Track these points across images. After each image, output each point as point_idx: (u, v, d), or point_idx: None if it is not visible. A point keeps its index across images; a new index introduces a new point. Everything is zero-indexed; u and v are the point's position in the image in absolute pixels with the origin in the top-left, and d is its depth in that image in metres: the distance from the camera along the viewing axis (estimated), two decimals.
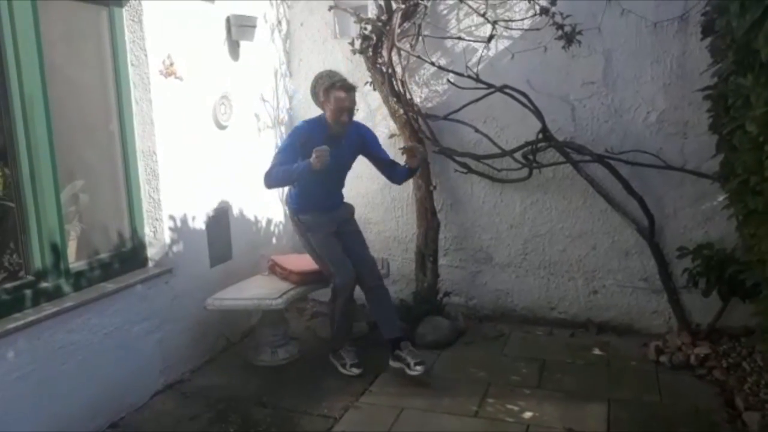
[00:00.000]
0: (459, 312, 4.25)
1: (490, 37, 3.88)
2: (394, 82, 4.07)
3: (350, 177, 4.54)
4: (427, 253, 4.19)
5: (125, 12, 3.20)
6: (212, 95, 3.75)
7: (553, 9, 3.63)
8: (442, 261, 4.30)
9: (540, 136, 3.82)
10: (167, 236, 3.42)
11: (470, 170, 4.17)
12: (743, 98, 2.46)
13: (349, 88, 3.44)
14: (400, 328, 3.61)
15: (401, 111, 4.07)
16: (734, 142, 2.65)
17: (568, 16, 3.62)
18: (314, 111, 4.61)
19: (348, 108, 3.43)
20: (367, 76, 4.22)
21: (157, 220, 3.40)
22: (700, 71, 3.42)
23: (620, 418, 2.97)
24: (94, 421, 2.94)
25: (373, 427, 2.96)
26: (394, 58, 4.06)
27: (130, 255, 3.32)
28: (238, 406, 3.19)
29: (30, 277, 2.74)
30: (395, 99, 4.07)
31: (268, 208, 4.41)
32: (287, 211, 3.75)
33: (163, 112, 3.35)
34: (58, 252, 2.83)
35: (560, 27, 3.63)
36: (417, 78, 4.29)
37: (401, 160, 3.89)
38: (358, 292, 3.65)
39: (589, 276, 4.12)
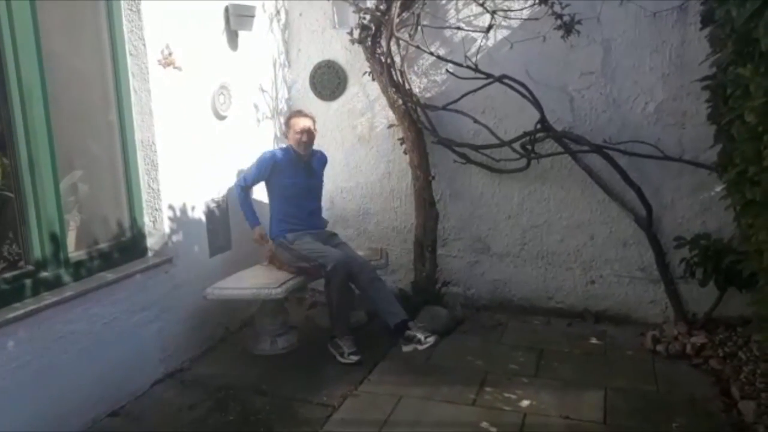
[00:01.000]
0: (457, 301, 4.27)
1: (489, 27, 3.87)
2: (393, 72, 4.07)
3: (349, 167, 4.56)
4: (425, 243, 4.20)
5: (123, 1, 3.18)
6: (211, 85, 3.75)
7: None
8: (440, 251, 4.31)
9: (538, 126, 3.83)
10: (167, 226, 3.43)
11: (469, 160, 4.17)
12: (742, 88, 2.47)
13: (305, 114, 3.96)
14: (404, 312, 3.67)
15: (400, 101, 4.07)
16: (733, 133, 2.65)
17: (567, 5, 3.61)
18: (311, 100, 4.64)
19: (305, 129, 3.87)
20: (365, 66, 4.21)
21: (156, 210, 3.40)
22: (699, 61, 3.42)
23: (617, 407, 2.99)
24: (94, 410, 2.95)
25: (371, 415, 2.98)
26: (393, 47, 4.05)
27: (129, 245, 3.33)
28: (238, 395, 3.21)
29: (29, 267, 2.74)
30: (394, 89, 4.06)
31: (267, 198, 4.40)
32: (272, 240, 3.95)
33: (162, 102, 3.34)
34: (57, 242, 2.83)
35: (559, 17, 3.63)
36: (416, 68, 4.28)
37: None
38: None
39: (587, 266, 4.14)
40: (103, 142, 3.26)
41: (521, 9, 3.88)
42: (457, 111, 4.09)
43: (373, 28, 4.04)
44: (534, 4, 3.73)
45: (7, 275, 2.65)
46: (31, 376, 2.61)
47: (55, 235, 2.82)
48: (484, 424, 2.87)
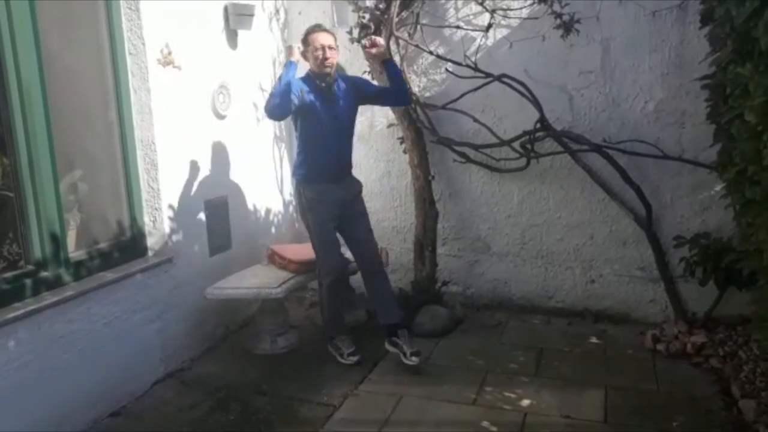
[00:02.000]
0: (457, 301, 4.27)
1: (489, 26, 3.87)
2: None
3: None
4: (425, 242, 4.20)
5: (123, 0, 3.18)
6: (210, 84, 3.74)
7: None
8: (440, 250, 4.31)
9: (538, 125, 3.82)
10: (167, 225, 3.43)
11: (468, 160, 4.18)
12: (742, 87, 2.46)
13: (326, 29, 3.44)
14: (399, 315, 3.60)
15: None
16: (732, 132, 2.65)
17: (566, 4, 3.61)
18: None
19: (327, 45, 3.36)
20: (365, 65, 4.20)
21: (156, 209, 3.40)
22: (699, 60, 3.42)
23: (617, 406, 3.00)
24: (94, 410, 2.95)
25: (372, 415, 2.98)
26: (393, 47, 4.05)
27: (129, 244, 3.33)
28: (238, 395, 3.21)
29: (30, 267, 2.74)
30: None
31: (267, 197, 4.41)
32: (293, 183, 3.64)
33: (162, 102, 3.34)
34: (57, 241, 2.83)
35: (559, 16, 3.63)
36: (415, 67, 4.28)
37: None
38: (357, 281, 3.65)
39: (587, 265, 4.14)
40: (102, 141, 3.26)
41: (520, 8, 3.88)
42: (456, 110, 4.09)
43: (373, 27, 4.03)
44: (533, 3, 3.73)
45: (8, 275, 2.65)
46: (31, 376, 2.61)
47: (55, 235, 2.82)
48: (485, 424, 2.87)
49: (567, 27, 3.63)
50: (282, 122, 4.52)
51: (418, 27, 4.08)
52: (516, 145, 3.95)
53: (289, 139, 4.58)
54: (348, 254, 3.75)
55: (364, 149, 4.50)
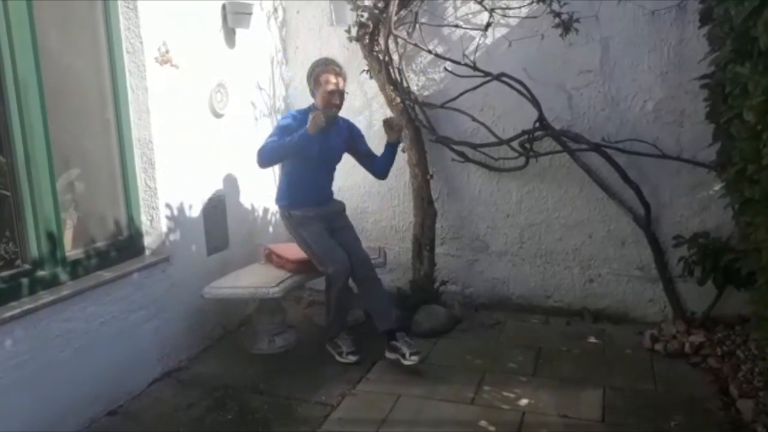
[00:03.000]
0: (455, 300, 4.26)
1: (488, 25, 3.87)
2: (391, 70, 4.06)
3: (347, 166, 4.53)
4: (423, 242, 4.19)
5: None
6: (208, 83, 3.73)
7: None
8: (438, 250, 4.30)
9: (537, 124, 3.82)
10: (164, 225, 3.42)
11: (467, 159, 4.17)
12: (741, 87, 2.46)
13: (339, 73, 3.53)
14: (395, 318, 3.56)
15: (398, 99, 4.06)
16: (732, 131, 2.64)
17: (565, 3, 3.61)
18: (309, 98, 4.60)
19: (338, 90, 3.50)
20: (363, 64, 4.20)
21: (153, 208, 3.39)
22: (698, 59, 3.42)
23: (615, 406, 2.99)
24: (91, 409, 2.94)
25: (370, 414, 2.98)
26: (391, 45, 4.04)
27: (126, 243, 3.32)
28: (236, 394, 3.21)
29: (26, 266, 2.73)
30: (392, 87, 4.05)
31: (265, 197, 4.40)
32: (278, 209, 3.81)
33: (159, 100, 3.33)
34: (54, 240, 2.82)
35: (558, 15, 3.62)
36: (414, 66, 4.27)
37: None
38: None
39: (585, 265, 4.14)
40: (99, 140, 3.25)
41: (519, 7, 3.87)
42: (455, 109, 4.08)
43: (371, 25, 4.02)
44: (532, 2, 3.73)
45: (4, 274, 2.64)
46: (28, 375, 2.60)
47: (52, 234, 2.81)
48: (483, 423, 2.87)
49: (566, 26, 3.63)
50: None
51: (417, 26, 4.08)
52: (515, 144, 3.94)
53: None
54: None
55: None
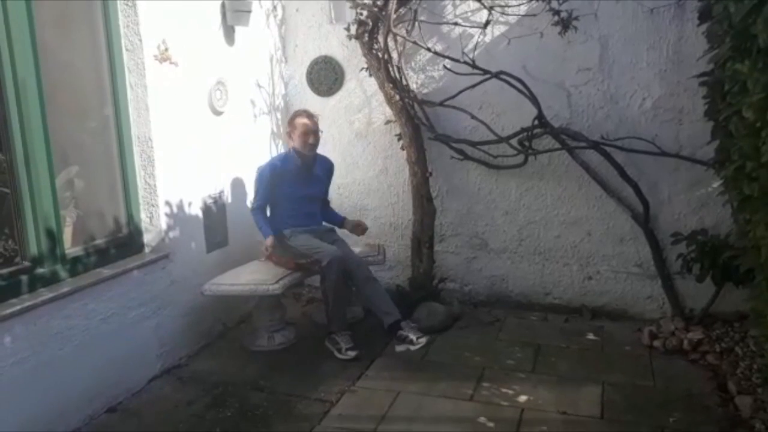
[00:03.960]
0: (454, 298, 4.28)
1: (487, 23, 3.87)
2: (390, 68, 4.06)
3: (347, 165, 4.56)
4: (423, 239, 4.20)
5: None
6: (208, 81, 3.73)
7: None
8: (437, 247, 4.31)
9: (536, 122, 3.82)
10: (163, 222, 3.42)
11: (466, 157, 4.17)
12: (740, 84, 2.47)
13: (311, 115, 3.87)
14: (398, 310, 3.67)
15: (397, 97, 4.06)
16: (731, 129, 2.65)
17: (564, 1, 3.61)
18: (308, 96, 4.63)
19: (312, 131, 3.82)
20: (362, 62, 4.20)
21: (153, 206, 3.39)
22: (697, 57, 3.43)
23: (614, 402, 3.00)
24: (91, 406, 2.95)
25: (369, 411, 2.98)
26: (390, 43, 4.04)
27: (126, 241, 3.32)
28: (235, 391, 3.21)
29: (26, 263, 2.73)
30: (391, 85, 4.05)
31: None
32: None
33: (159, 98, 3.32)
34: (53, 238, 2.82)
35: (557, 12, 3.62)
36: (413, 64, 4.27)
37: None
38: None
39: (584, 262, 4.14)
40: (99, 137, 3.25)
41: (518, 5, 3.87)
42: (454, 107, 4.08)
43: (370, 23, 4.02)
44: (531, 0, 3.73)
45: (4, 271, 2.64)
46: (28, 372, 2.60)
47: (52, 231, 2.81)
48: (482, 419, 2.88)
49: (565, 24, 3.63)
50: (279, 119, 4.52)
51: (416, 24, 4.07)
52: (514, 142, 3.95)
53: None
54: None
55: (361, 146, 4.50)
